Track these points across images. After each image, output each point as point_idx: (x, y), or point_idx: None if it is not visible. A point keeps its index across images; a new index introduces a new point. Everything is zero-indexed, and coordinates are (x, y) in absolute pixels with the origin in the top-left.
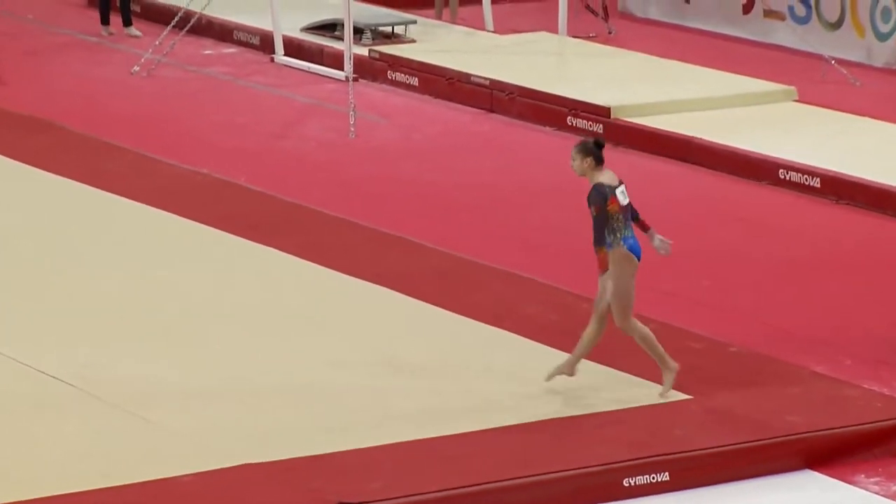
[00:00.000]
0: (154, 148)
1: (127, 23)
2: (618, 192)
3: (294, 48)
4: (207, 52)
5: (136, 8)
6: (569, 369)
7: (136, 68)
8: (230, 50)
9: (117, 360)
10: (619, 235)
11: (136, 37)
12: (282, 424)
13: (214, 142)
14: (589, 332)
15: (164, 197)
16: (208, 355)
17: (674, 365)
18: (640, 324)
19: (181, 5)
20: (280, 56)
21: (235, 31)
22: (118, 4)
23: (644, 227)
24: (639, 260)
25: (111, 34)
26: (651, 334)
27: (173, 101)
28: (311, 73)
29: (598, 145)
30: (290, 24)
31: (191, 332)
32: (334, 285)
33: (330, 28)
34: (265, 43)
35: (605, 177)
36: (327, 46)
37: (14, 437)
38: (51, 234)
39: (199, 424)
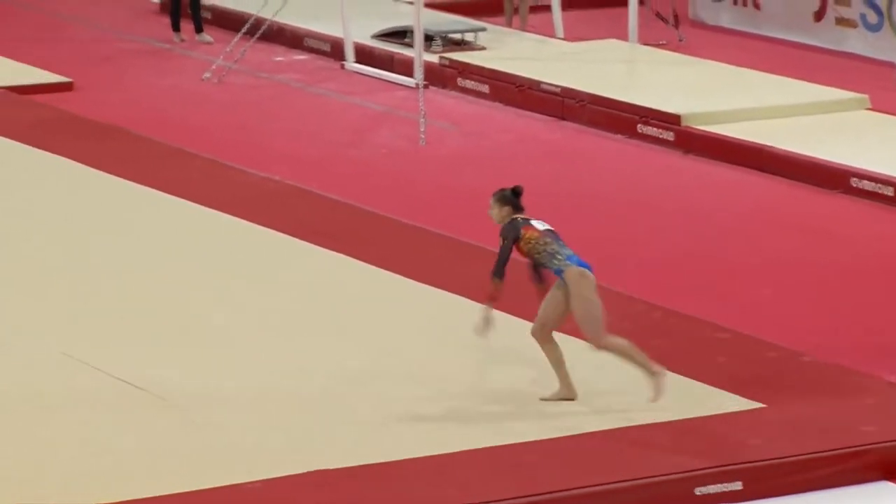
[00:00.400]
0: (225, 154)
1: (199, 29)
2: (532, 221)
3: (365, 55)
4: (278, 58)
5: (207, 15)
6: (568, 392)
7: (208, 75)
8: (301, 57)
9: (185, 366)
10: (561, 257)
11: (207, 43)
12: (349, 430)
13: (285, 149)
14: (552, 355)
15: (236, 203)
16: (274, 361)
17: (658, 369)
18: (615, 338)
19: (252, 12)
20: (351, 63)
21: (306, 38)
22: (190, 11)
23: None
24: (591, 273)
25: (183, 41)
26: (629, 344)
27: (244, 107)
28: (381, 80)
29: (516, 193)
30: (360, 32)
31: (255, 338)
32: (405, 292)
33: (400, 35)
34: (336, 50)
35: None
36: (398, 53)
37: (87, 441)
38: (123, 239)
39: (265, 429)
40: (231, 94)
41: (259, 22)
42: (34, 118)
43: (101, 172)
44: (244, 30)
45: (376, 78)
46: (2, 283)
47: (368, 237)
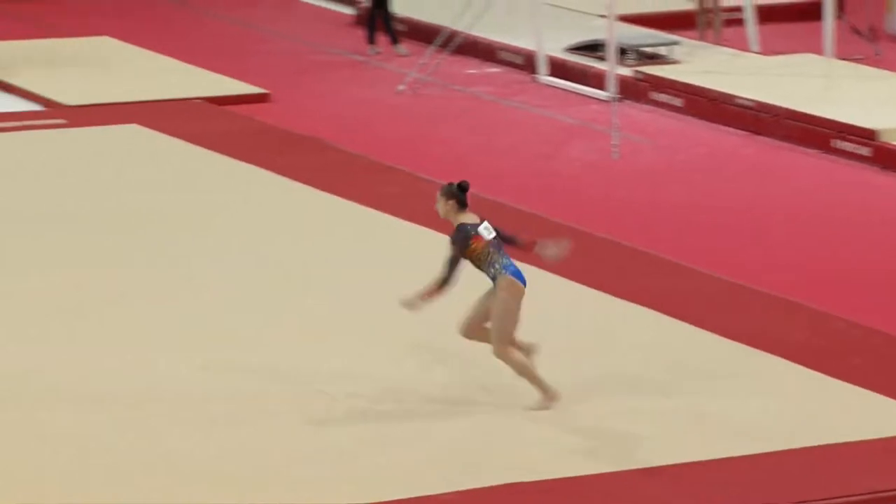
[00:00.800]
0: (418, 166)
1: (394, 41)
2: (480, 229)
3: (557, 68)
4: (471, 71)
5: (402, 27)
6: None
7: (402, 87)
8: (494, 69)
9: (410, 379)
10: (498, 266)
11: (402, 55)
12: (544, 443)
13: (479, 161)
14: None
15: (430, 216)
16: (486, 374)
17: (554, 393)
18: (516, 353)
19: (447, 25)
20: (544, 76)
21: (499, 51)
22: (384, 24)
23: (530, 246)
24: (524, 285)
25: (378, 53)
26: (527, 362)
27: (438, 119)
28: (574, 93)
29: (462, 189)
30: (553, 45)
31: (449, 347)
32: (597, 305)
33: (593, 48)
34: (529, 63)
35: (468, 218)
36: (591, 67)
37: (283, 443)
38: (317, 250)
39: (459, 439)
40: (425, 106)
41: (453, 34)
42: (230, 129)
43: (295, 183)
44: (438, 42)
45: (569, 91)
46: (201, 290)
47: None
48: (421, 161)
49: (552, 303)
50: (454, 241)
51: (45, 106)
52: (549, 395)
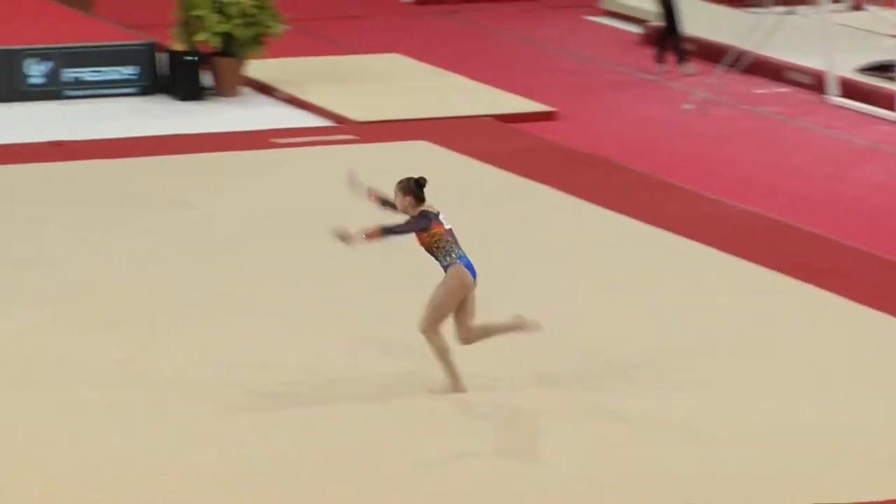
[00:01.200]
0: (705, 185)
1: (682, 60)
2: (441, 217)
3: (848, 89)
4: (759, 91)
5: (691, 46)
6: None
7: (688, 106)
8: (782, 89)
9: (682, 402)
10: (454, 256)
11: (690, 75)
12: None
13: (764, 180)
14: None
15: (714, 235)
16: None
17: (461, 386)
18: (440, 338)
19: (735, 44)
20: (833, 96)
21: (788, 71)
22: (673, 43)
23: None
24: (474, 279)
25: (665, 72)
26: (447, 350)
27: (724, 139)
28: (865, 114)
29: (420, 184)
30: (844, 65)
31: (711, 366)
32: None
33: (884, 69)
34: (818, 83)
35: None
36: (881, 87)
37: (529, 447)
38: (592, 266)
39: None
40: (712, 125)
41: (741, 54)
42: (517, 146)
43: (579, 200)
44: (726, 62)
45: (860, 112)
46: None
47: (852, 274)
48: (705, 180)
49: (842, 328)
50: (414, 218)
51: (338, 122)
52: (456, 385)
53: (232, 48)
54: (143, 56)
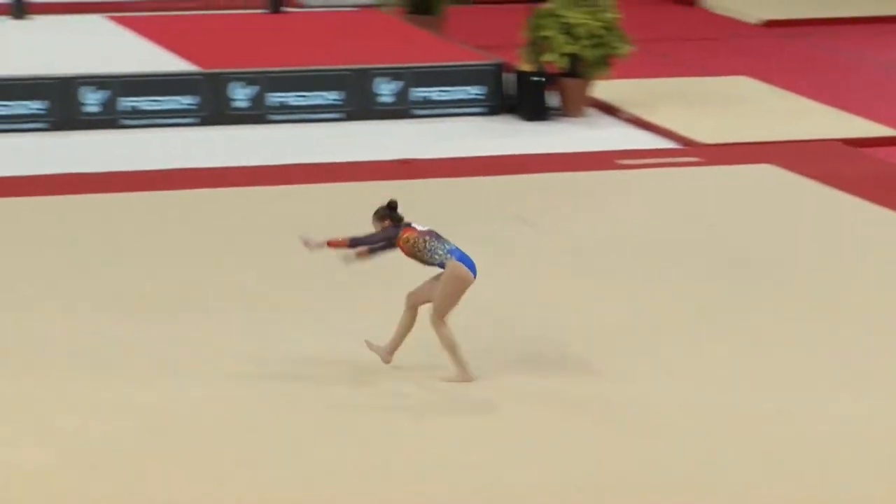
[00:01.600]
0: None
1: None
2: (414, 224)
3: None
4: None
5: None
6: (386, 356)
7: None
8: None
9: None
10: (443, 252)
11: None
12: None
13: None
14: (402, 323)
15: None
16: None
17: (469, 375)
18: (448, 331)
19: None
20: None
21: None
22: None
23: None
24: (473, 273)
25: None
26: (455, 343)
27: None
28: None
29: (391, 207)
30: None
31: None
32: None
33: None
34: None
35: None
36: None
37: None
38: None
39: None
40: None
41: None
42: (864, 171)
43: None
44: None
45: None
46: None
47: None
48: None
49: None
50: (381, 230)
51: (683, 144)
52: (463, 375)
53: (579, 69)
54: (490, 76)
